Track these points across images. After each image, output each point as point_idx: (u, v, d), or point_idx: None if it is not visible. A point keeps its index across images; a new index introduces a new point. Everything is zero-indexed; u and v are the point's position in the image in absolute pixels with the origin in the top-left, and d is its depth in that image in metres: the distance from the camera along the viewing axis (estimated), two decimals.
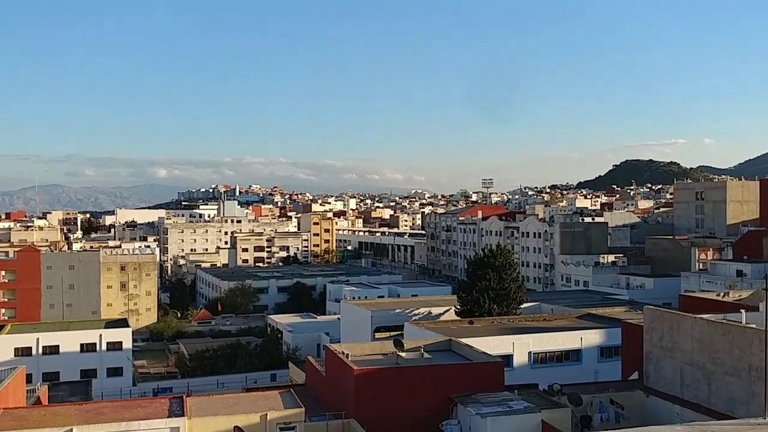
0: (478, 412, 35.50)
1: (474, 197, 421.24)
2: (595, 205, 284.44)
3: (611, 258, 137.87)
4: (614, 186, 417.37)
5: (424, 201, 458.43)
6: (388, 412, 37.15)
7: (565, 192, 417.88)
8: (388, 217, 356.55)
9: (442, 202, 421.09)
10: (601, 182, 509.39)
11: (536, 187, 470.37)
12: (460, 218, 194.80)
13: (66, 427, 29.82)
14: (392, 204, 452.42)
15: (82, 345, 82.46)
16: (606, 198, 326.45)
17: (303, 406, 32.78)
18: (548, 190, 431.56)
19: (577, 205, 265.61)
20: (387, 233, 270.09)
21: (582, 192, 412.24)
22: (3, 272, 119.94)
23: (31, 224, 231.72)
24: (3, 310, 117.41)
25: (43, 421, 31.47)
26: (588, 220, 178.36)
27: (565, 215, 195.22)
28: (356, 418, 35.39)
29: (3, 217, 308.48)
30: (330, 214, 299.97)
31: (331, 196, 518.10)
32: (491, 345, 48.31)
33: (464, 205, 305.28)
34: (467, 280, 75.67)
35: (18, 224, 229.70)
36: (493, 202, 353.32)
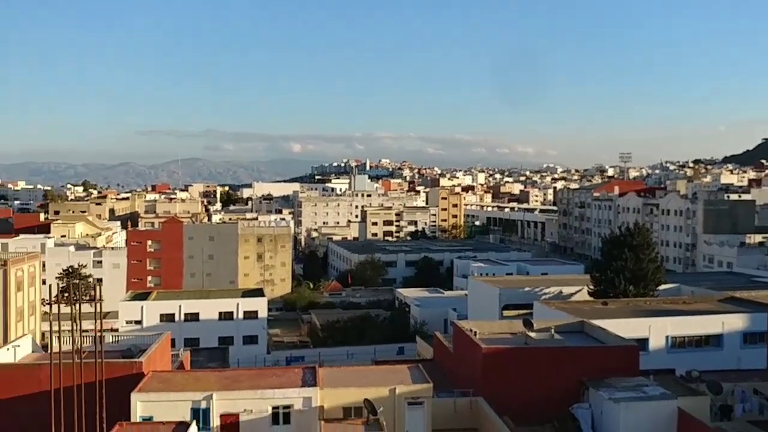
0: (610, 396, 34.26)
1: (610, 172, 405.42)
2: (742, 181, 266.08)
3: (758, 238, 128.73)
4: (763, 161, 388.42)
5: (556, 176, 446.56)
6: (516, 392, 36.59)
7: (709, 167, 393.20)
8: (518, 192, 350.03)
9: (575, 177, 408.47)
10: (749, 157, 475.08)
11: (678, 162, 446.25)
12: (595, 194, 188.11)
13: (207, 392, 31.48)
14: (522, 179, 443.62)
15: (220, 313, 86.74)
16: (754, 174, 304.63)
17: (431, 382, 32.83)
18: (691, 165, 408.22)
19: (722, 181, 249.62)
20: (516, 209, 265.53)
21: (728, 167, 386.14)
22: (150, 242, 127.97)
23: (174, 196, 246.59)
24: (150, 278, 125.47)
25: (187, 385, 33.38)
26: (734, 197, 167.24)
27: (709, 192, 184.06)
28: (484, 397, 35.08)
29: (149, 189, 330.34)
30: (458, 189, 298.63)
31: (460, 171, 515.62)
32: (626, 328, 46.31)
33: (599, 181, 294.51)
34: (602, 260, 73.04)
35: (162, 196, 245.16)
36: (630, 177, 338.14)
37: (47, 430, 35.34)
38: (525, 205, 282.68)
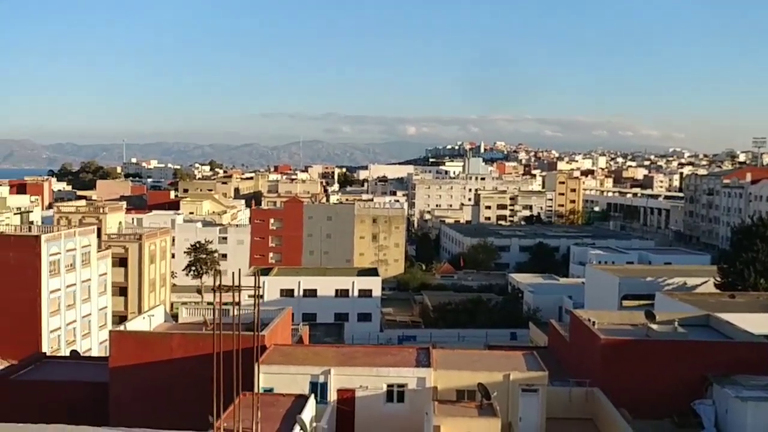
0: (737, 394, 32.78)
1: (742, 158, 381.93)
2: None
3: None
4: None
5: (683, 160, 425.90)
6: (634, 384, 35.64)
7: None
8: (641, 177, 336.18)
9: (703, 162, 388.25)
10: None
11: None
12: (725, 181, 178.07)
13: (325, 367, 32.63)
14: (646, 163, 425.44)
15: (336, 290, 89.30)
16: None
17: (546, 370, 32.54)
18: None
19: None
20: (639, 194, 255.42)
21: None
22: (272, 220, 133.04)
23: (295, 177, 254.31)
24: (271, 255, 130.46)
25: (306, 359, 34.71)
26: None
27: None
28: (601, 388, 34.41)
29: (272, 169, 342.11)
30: (577, 173, 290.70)
31: (579, 154, 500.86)
32: (755, 323, 43.86)
33: (730, 167, 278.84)
34: (730, 250, 69.56)
35: (284, 177, 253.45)
36: (764, 163, 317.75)
37: (176, 395, 37.81)
38: (648, 191, 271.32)
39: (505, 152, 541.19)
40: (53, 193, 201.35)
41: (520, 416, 30.88)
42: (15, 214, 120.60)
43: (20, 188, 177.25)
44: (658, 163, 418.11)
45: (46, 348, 62.38)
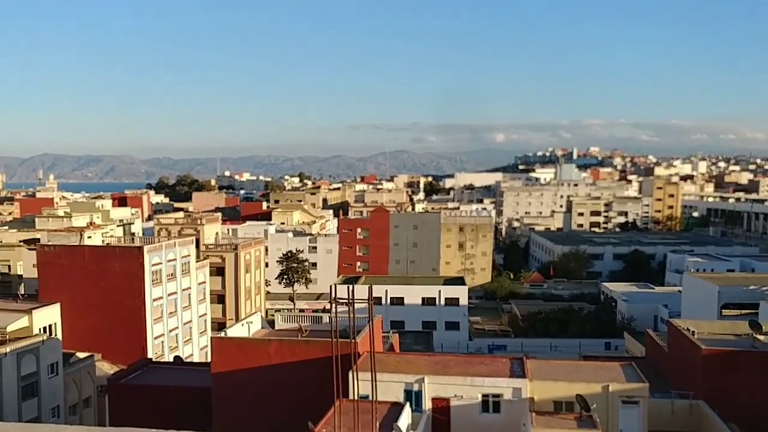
0: None
1: None
2: None
3: None
4: None
5: None
6: (741, 398, 34.32)
7: None
8: (746, 182, 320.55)
9: None
10: None
11: None
12: None
13: (419, 375, 32.91)
14: (752, 167, 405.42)
15: (423, 299, 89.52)
16: None
17: (647, 381, 31.73)
18: None
19: None
20: (743, 199, 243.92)
21: None
22: (359, 230, 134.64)
23: (381, 187, 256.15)
24: (359, 263, 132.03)
25: (399, 367, 35.09)
26: None
27: None
28: (705, 400, 33.29)
29: (358, 180, 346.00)
30: (675, 178, 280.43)
31: (677, 159, 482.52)
32: None
33: None
34: None
35: (370, 187, 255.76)
36: None
37: (275, 400, 38.95)
38: (753, 196, 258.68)
39: (600, 158, 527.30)
40: (152, 206, 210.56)
41: (621, 429, 30.23)
42: (118, 226, 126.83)
43: (121, 201, 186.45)
44: (765, 167, 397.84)
45: (150, 354, 65.31)
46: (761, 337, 38.63)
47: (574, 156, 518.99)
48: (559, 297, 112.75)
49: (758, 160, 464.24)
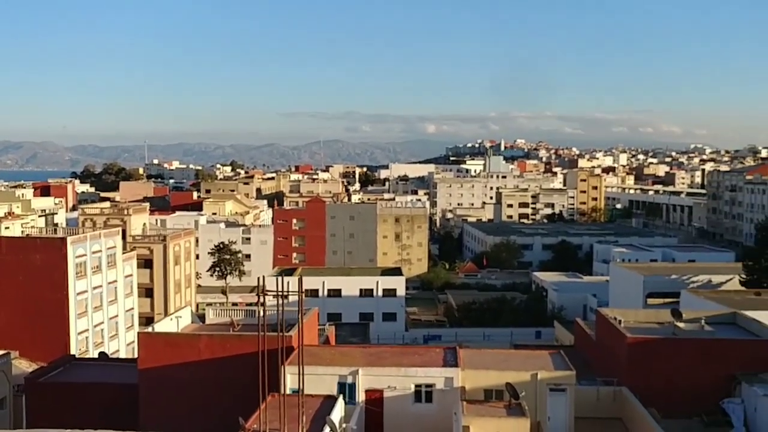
0: (766, 393, 32.58)
1: (764, 153, 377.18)
2: None
3: None
4: None
5: (704, 157, 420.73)
6: (662, 383, 35.49)
7: None
8: (662, 174, 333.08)
9: (725, 159, 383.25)
10: None
11: None
12: (748, 177, 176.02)
13: (353, 368, 32.79)
14: (668, 160, 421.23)
15: (361, 290, 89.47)
16: None
17: (574, 369, 32.45)
18: None
19: None
20: (661, 191, 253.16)
21: None
22: (295, 220, 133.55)
23: (317, 177, 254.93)
24: (295, 255, 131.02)
25: (334, 359, 34.90)
26: None
27: None
28: (629, 387, 34.29)
29: (293, 169, 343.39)
30: (598, 170, 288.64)
31: (600, 151, 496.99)
32: None
33: (753, 163, 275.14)
34: (755, 247, 68.94)
35: (305, 177, 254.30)
36: None
37: (205, 396, 38.19)
38: (671, 188, 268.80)
39: (526, 150, 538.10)
40: (77, 195, 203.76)
41: (549, 416, 30.84)
42: (40, 216, 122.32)
43: (44, 190, 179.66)
44: (680, 160, 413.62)
45: (74, 350, 63.22)
46: (681, 325, 39.99)
47: (502, 147, 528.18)
48: (493, 287, 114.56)
49: (674, 153, 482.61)
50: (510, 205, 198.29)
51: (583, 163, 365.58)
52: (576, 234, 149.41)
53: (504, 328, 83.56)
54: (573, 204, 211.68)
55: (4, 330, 60.39)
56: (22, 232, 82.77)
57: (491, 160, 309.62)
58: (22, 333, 61.26)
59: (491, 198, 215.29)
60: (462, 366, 32.71)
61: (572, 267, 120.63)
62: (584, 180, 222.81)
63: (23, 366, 58.65)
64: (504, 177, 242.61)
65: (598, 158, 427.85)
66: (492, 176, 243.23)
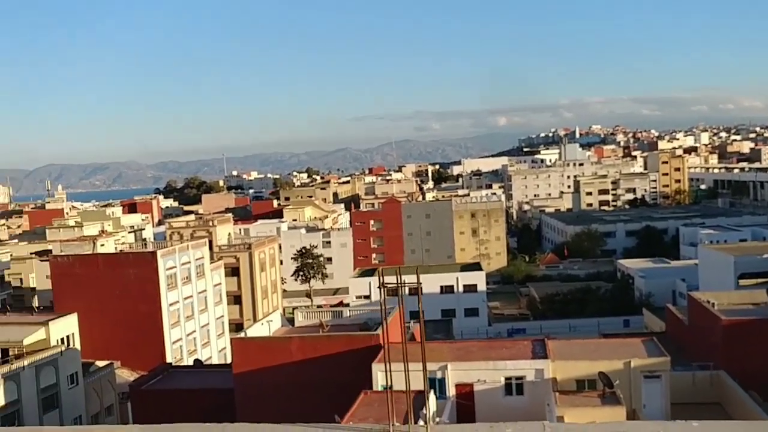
0: None
1: None
2: None
3: None
4: None
5: None
6: (761, 365, 34.30)
7: None
8: (747, 151, 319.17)
9: None
10: None
11: None
12: None
13: (442, 363, 33.05)
14: (752, 136, 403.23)
15: (441, 287, 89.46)
16: None
17: (668, 355, 31.75)
18: None
19: None
20: (747, 169, 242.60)
21: None
22: (372, 221, 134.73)
23: (390, 177, 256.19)
24: (374, 255, 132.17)
25: (420, 356, 35.25)
26: None
27: None
28: (725, 370, 33.28)
29: (367, 172, 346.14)
30: (679, 151, 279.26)
31: (680, 131, 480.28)
32: None
33: None
34: None
35: (379, 178, 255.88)
36: None
37: (299, 396, 39.15)
38: (757, 165, 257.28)
39: (602, 135, 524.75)
40: (162, 210, 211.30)
41: (644, 403, 30.27)
42: (129, 232, 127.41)
43: (131, 208, 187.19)
44: (765, 135, 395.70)
45: (169, 358, 65.71)
46: None
47: (577, 135, 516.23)
48: (576, 277, 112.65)
49: (758, 129, 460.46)
50: (589, 193, 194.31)
51: (663, 144, 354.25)
52: (660, 218, 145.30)
53: (590, 319, 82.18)
54: (655, 188, 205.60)
55: (106, 342, 63.41)
56: (115, 248, 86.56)
57: (566, 148, 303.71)
58: (121, 344, 64.20)
59: (569, 187, 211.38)
60: (552, 357, 32.50)
61: (658, 252, 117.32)
62: (666, 162, 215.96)
63: (125, 375, 61.56)
64: (581, 164, 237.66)
65: (678, 139, 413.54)
66: (568, 165, 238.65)
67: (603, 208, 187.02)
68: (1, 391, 48.20)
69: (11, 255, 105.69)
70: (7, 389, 48.67)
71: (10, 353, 56.02)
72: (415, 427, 3.91)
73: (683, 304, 48.14)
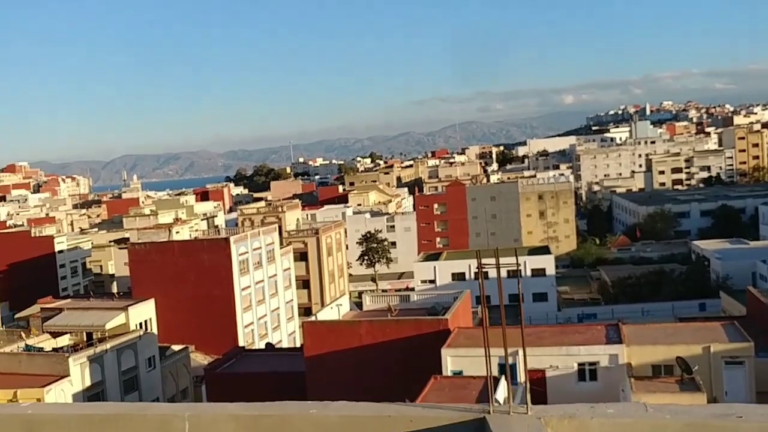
0: None
1: None
2: None
3: None
4: None
5: None
6: None
7: None
8: None
9: None
10: None
11: None
12: None
13: (513, 348, 32.66)
14: None
15: (508, 271, 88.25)
16: None
17: (750, 340, 30.54)
18: None
19: None
20: None
21: None
22: (436, 205, 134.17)
23: (453, 160, 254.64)
24: (438, 239, 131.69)
25: (491, 341, 34.96)
26: None
27: None
28: None
29: (430, 155, 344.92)
30: (757, 126, 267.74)
31: (757, 105, 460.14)
32: None
33: None
34: None
35: (442, 161, 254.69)
36: None
37: (368, 380, 39.41)
38: None
39: (674, 112, 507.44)
40: (232, 198, 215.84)
41: (726, 390, 29.26)
42: (202, 219, 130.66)
43: (203, 196, 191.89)
44: None
45: (241, 342, 67.20)
46: None
47: (647, 112, 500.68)
48: (649, 260, 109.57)
49: None
50: (662, 172, 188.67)
51: (739, 119, 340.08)
52: (738, 197, 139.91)
53: (664, 303, 79.78)
54: (731, 165, 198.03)
55: (181, 326, 65.26)
56: (190, 235, 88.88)
57: (637, 125, 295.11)
58: (196, 328, 66.02)
59: (640, 166, 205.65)
60: (626, 342, 31.72)
61: (736, 233, 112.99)
62: (742, 138, 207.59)
63: (199, 359, 63.31)
64: (653, 142, 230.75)
65: (755, 113, 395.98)
66: (639, 143, 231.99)
67: (676, 187, 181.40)
68: (87, 373, 50.28)
69: (92, 243, 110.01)
70: (92, 371, 50.74)
71: (94, 337, 58.47)
72: (515, 407, 3.85)
73: (765, 287, 46.20)
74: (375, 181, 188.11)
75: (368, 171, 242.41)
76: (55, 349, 55.02)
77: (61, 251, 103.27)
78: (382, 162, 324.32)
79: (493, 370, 21.03)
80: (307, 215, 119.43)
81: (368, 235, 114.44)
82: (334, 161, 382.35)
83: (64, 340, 58.57)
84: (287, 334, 77.65)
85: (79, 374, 49.47)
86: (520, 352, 32.61)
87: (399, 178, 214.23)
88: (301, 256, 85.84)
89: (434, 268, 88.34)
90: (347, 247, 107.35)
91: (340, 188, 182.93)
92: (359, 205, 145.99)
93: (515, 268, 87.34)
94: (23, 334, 59.78)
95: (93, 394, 50.57)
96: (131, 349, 55.19)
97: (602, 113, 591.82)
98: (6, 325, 70.99)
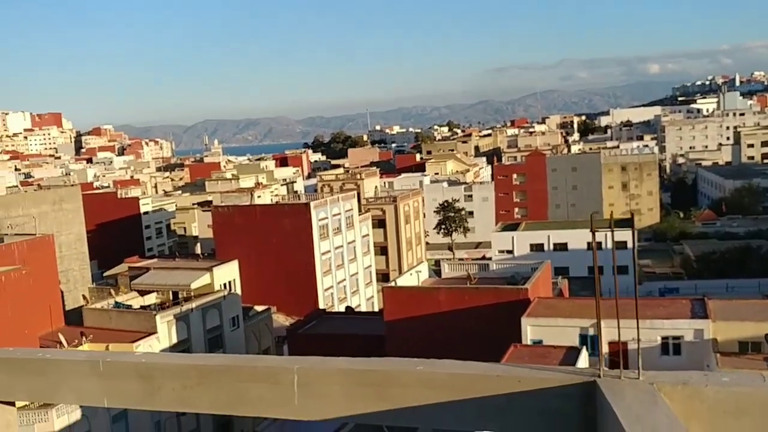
0: None
1: None
2: None
3: None
4: None
5: None
6: None
7: None
8: None
9: None
10: None
11: None
12: None
13: (594, 320, 32.62)
14: None
15: (588, 243, 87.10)
16: None
17: None
18: None
19: None
20: None
21: None
22: (515, 175, 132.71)
23: (533, 129, 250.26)
24: (516, 210, 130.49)
25: (573, 311, 34.95)
26: None
27: None
28: None
29: (509, 124, 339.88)
30: None
31: None
32: None
33: None
34: None
35: (522, 131, 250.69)
36: None
37: (446, 346, 40.07)
38: None
39: (765, 83, 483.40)
40: (311, 164, 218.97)
41: None
42: (282, 185, 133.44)
43: (282, 161, 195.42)
44: None
45: (321, 305, 68.92)
46: None
47: (737, 83, 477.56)
48: (735, 235, 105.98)
49: None
50: (751, 145, 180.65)
51: None
52: None
53: (750, 279, 77.38)
54: None
55: (263, 288, 67.37)
56: (271, 200, 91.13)
57: (726, 97, 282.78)
58: (277, 290, 68.02)
59: (728, 138, 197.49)
60: (712, 317, 31.20)
61: None
62: None
63: (280, 320, 65.36)
64: (742, 114, 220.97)
65: None
66: (728, 115, 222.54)
67: (766, 161, 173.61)
68: (174, 330, 52.71)
69: (176, 205, 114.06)
70: (179, 328, 53.13)
71: (180, 296, 61.03)
72: (626, 372, 4.06)
73: None
74: (452, 150, 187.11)
75: (445, 140, 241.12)
76: (142, 307, 57.53)
77: (146, 212, 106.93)
78: (459, 131, 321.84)
79: (574, 341, 21.35)
80: (384, 183, 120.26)
81: (445, 204, 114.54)
82: (410, 129, 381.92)
83: (151, 299, 61.04)
84: (365, 299, 79.13)
85: (166, 331, 51.82)
86: (603, 323, 32.68)
87: (477, 147, 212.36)
88: (379, 223, 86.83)
89: (512, 238, 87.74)
90: (425, 216, 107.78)
91: (417, 156, 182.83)
92: (436, 173, 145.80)
93: (597, 240, 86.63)
94: (112, 292, 62.60)
95: (179, 351, 52.95)
96: (216, 309, 57.36)
97: (689, 83, 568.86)
98: (96, 283, 74.44)
